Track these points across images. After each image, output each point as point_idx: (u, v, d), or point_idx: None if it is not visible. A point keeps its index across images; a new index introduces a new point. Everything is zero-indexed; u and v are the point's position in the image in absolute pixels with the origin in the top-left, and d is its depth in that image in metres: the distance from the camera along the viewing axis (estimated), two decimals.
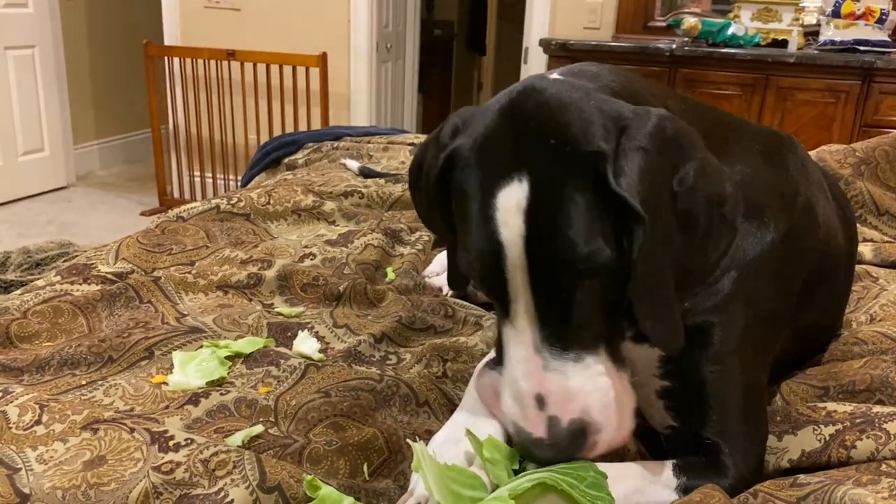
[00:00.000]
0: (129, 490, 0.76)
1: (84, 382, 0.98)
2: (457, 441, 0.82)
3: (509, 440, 0.82)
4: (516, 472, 0.78)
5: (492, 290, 0.79)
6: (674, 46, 3.69)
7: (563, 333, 0.76)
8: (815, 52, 3.65)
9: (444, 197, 0.84)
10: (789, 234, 0.97)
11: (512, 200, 0.73)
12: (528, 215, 0.73)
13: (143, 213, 4.42)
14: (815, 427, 0.95)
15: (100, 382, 0.99)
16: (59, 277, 1.27)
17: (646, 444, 0.99)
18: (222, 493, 0.76)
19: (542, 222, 0.73)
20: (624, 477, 0.83)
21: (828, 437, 0.93)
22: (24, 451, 0.82)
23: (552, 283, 0.75)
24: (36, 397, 0.90)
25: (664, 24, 4.04)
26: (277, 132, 4.15)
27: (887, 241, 1.72)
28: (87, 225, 4.24)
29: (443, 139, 0.85)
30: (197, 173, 4.48)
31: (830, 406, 0.99)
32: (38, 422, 0.87)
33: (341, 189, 1.73)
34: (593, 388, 0.77)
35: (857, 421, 0.93)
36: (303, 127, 4.08)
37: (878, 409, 0.95)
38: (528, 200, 0.73)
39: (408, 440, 0.80)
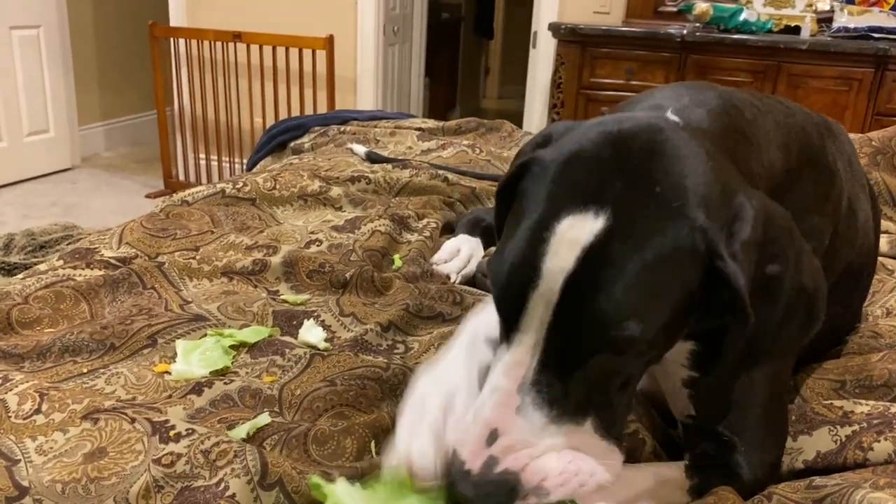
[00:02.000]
0: (130, 485, 0.74)
1: (85, 370, 0.97)
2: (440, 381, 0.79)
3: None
4: None
5: (506, 308, 0.70)
6: (685, 32, 3.64)
7: (556, 387, 0.68)
8: (829, 38, 3.60)
9: (507, 205, 0.77)
10: (832, 239, 0.95)
11: (575, 232, 0.65)
12: (586, 255, 0.64)
13: (148, 196, 4.40)
14: (832, 427, 0.93)
15: (101, 370, 0.97)
16: (61, 262, 1.25)
17: (660, 441, 0.96)
18: (223, 485, 0.74)
19: (597, 269, 0.64)
20: (636, 480, 0.81)
21: (844, 439, 0.91)
22: (23, 441, 0.80)
23: (571, 336, 0.66)
24: (36, 385, 0.89)
25: (675, 8, 3.98)
26: (283, 115, 4.12)
27: None
28: (91, 207, 4.23)
29: (527, 146, 0.80)
30: (202, 156, 4.46)
31: (847, 406, 0.97)
32: (37, 410, 0.85)
33: (348, 174, 1.70)
34: (553, 457, 0.68)
35: (875, 422, 0.91)
36: (309, 110, 4.05)
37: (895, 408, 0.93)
38: (595, 239, 0.64)
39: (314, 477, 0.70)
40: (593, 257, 0.64)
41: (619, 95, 3.60)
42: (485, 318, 0.91)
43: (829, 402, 0.99)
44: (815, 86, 3.56)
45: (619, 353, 0.67)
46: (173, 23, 4.43)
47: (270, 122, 4.01)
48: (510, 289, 0.68)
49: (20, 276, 1.24)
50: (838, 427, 0.92)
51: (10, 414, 0.85)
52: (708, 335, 0.79)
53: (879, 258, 1.57)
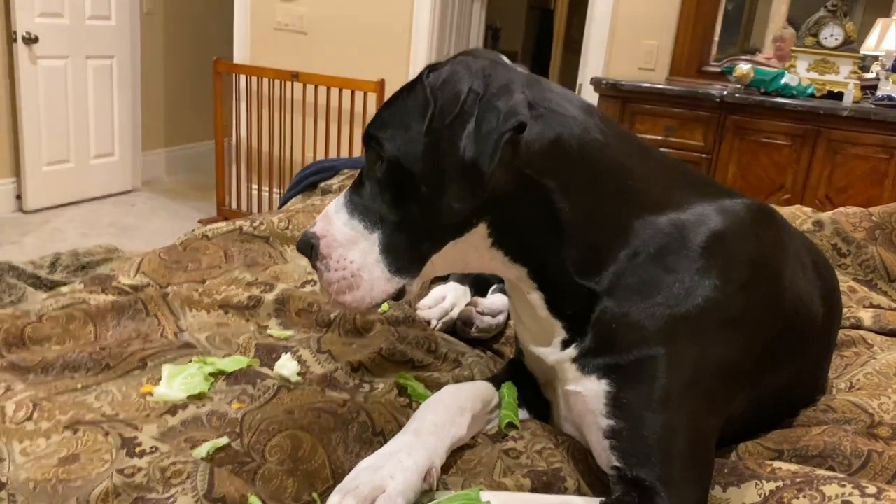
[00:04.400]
0: (93, 488, 0.85)
1: (80, 386, 1.09)
2: (377, 469, 0.89)
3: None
4: None
5: None
6: (725, 92, 3.69)
7: (355, 197, 0.98)
8: (871, 106, 3.60)
9: None
10: (745, 288, 1.01)
11: None
12: None
13: (200, 221, 4.62)
14: (758, 482, 0.98)
15: (94, 387, 1.09)
16: (81, 286, 1.39)
17: (584, 474, 1.03)
18: (172, 500, 0.84)
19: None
20: None
21: (767, 493, 0.96)
22: (11, 443, 0.93)
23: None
24: (32, 395, 1.01)
25: (718, 69, 4.04)
26: (333, 152, 4.31)
27: (893, 309, 1.71)
28: (146, 229, 4.46)
29: None
30: (255, 186, 4.67)
31: (777, 464, 1.02)
32: (29, 418, 0.97)
33: None
34: (337, 237, 0.97)
35: (798, 480, 0.96)
36: (357, 149, 4.22)
37: (821, 472, 0.98)
38: None
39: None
40: None
41: None
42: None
43: (761, 460, 1.05)
44: (854, 152, 3.55)
45: (377, 160, 0.95)
46: (237, 60, 4.68)
47: (321, 157, 4.20)
48: None
49: (44, 295, 1.38)
50: (764, 482, 0.97)
51: (5, 419, 0.97)
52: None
53: (863, 332, 1.60)
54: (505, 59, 1.03)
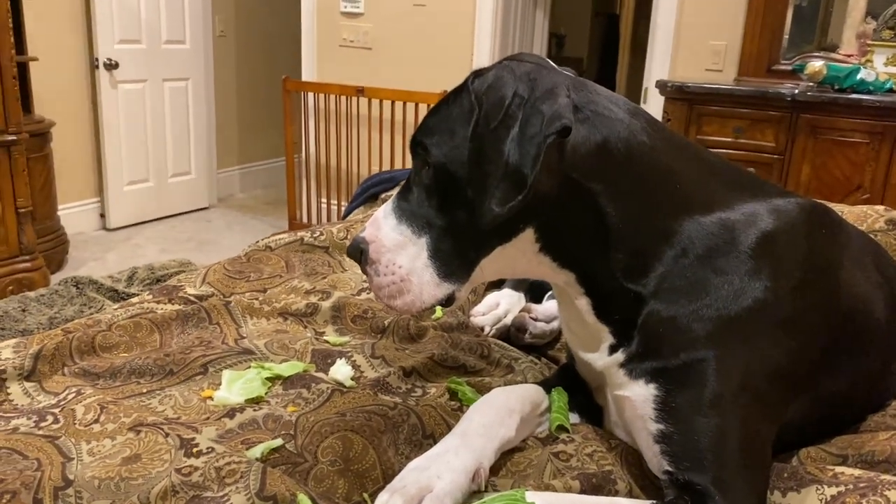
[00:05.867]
0: (153, 486, 0.89)
1: (145, 390, 1.14)
2: (425, 469, 0.90)
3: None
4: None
5: None
6: (796, 91, 3.58)
7: (402, 203, 1.00)
8: None
9: None
10: (797, 289, 0.99)
11: None
12: None
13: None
14: (819, 487, 0.95)
15: (157, 392, 1.14)
16: (150, 296, 1.45)
17: (636, 478, 1.02)
18: (225, 498, 0.87)
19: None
20: None
21: (829, 498, 0.93)
22: (80, 443, 0.98)
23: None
24: (100, 399, 1.07)
25: (789, 67, 3.93)
26: (399, 164, 4.37)
27: None
28: (222, 244, 4.61)
29: None
30: (324, 200, 4.77)
31: (839, 469, 0.98)
32: (96, 420, 1.03)
33: None
34: (385, 242, 0.99)
35: (861, 485, 0.93)
36: None
37: (886, 476, 0.95)
38: None
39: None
40: None
41: (727, 154, 3.58)
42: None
43: (822, 465, 1.02)
44: None
45: (423, 166, 0.96)
46: (305, 77, 4.81)
47: (387, 169, 4.27)
48: None
49: (116, 306, 1.45)
50: (825, 486, 0.94)
51: (76, 421, 1.03)
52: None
53: None
54: (550, 62, 1.04)
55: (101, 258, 4.23)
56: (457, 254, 0.97)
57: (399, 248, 0.98)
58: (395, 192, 2.48)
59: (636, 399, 0.97)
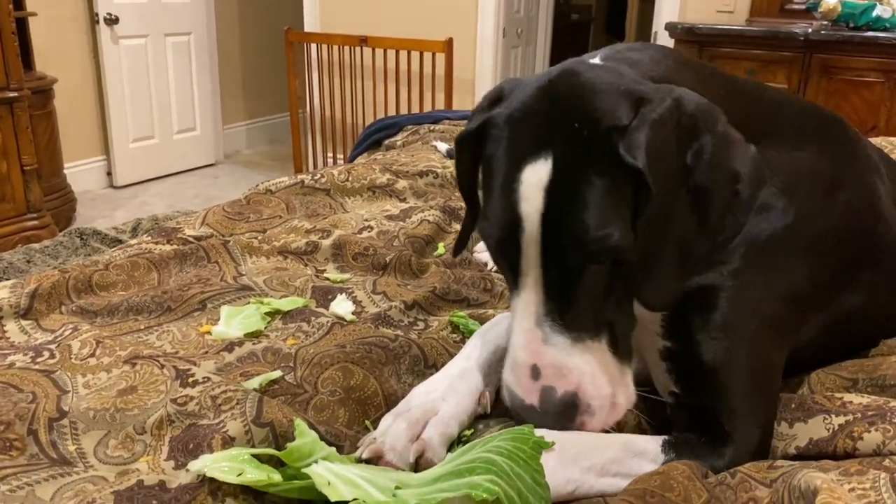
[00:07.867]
0: (148, 416, 0.88)
1: (143, 327, 1.13)
2: (429, 393, 0.89)
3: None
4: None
5: (505, 259, 0.82)
6: (809, 30, 3.49)
7: (566, 312, 0.79)
8: None
9: (474, 162, 0.90)
10: (819, 214, 0.96)
11: (535, 177, 0.77)
12: (548, 193, 0.76)
13: None
14: (826, 416, 0.93)
15: (155, 328, 1.12)
16: (148, 237, 1.43)
17: (651, 417, 1.00)
18: (221, 425, 0.86)
19: (559, 200, 0.76)
20: (606, 447, 0.84)
21: (836, 427, 0.91)
22: (75, 377, 0.97)
23: (562, 261, 0.78)
24: (96, 335, 1.05)
25: (803, 6, 3.82)
26: (404, 114, 4.32)
27: None
28: (229, 200, 4.58)
29: (483, 104, 0.91)
30: (330, 154, 4.73)
31: (847, 397, 0.96)
32: (92, 354, 1.01)
33: (418, 169, 1.82)
34: (588, 370, 0.80)
35: (869, 413, 0.91)
36: (427, 107, 4.21)
37: (895, 403, 0.92)
38: (549, 179, 0.76)
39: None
40: (554, 192, 0.76)
41: None
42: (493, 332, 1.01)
43: (830, 393, 1.00)
44: None
45: (604, 258, 0.77)
46: (307, 28, 4.73)
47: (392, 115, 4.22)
48: (502, 240, 0.80)
49: (115, 249, 1.43)
50: (832, 416, 0.92)
51: (72, 356, 1.01)
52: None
53: None
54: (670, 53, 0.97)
55: (109, 216, 4.22)
56: (627, 336, 0.87)
57: (600, 371, 0.82)
58: (399, 137, 2.45)
59: (646, 316, 0.94)
